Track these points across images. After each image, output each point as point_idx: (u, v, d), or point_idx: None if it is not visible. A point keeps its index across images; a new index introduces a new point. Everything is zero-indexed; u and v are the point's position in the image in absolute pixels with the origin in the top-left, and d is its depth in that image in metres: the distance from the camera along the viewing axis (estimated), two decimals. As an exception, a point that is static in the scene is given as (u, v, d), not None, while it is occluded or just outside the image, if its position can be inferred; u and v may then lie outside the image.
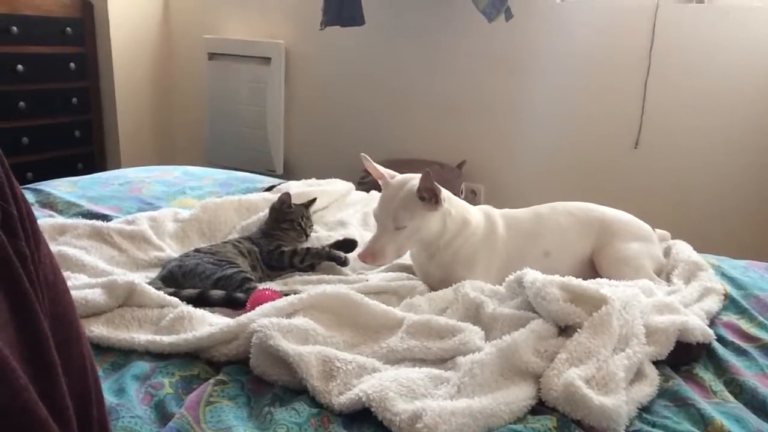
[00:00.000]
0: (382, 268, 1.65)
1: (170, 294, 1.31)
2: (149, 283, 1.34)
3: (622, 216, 1.64)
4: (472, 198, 3.23)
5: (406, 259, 1.60)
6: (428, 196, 1.44)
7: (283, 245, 1.61)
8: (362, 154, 1.57)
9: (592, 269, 1.55)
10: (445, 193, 1.48)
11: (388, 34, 3.33)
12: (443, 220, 1.48)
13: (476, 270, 1.48)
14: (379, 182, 1.55)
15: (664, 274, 1.57)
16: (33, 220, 0.46)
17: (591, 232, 1.58)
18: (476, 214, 1.56)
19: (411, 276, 1.56)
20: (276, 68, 3.56)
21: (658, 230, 1.70)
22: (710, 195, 2.83)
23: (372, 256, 1.45)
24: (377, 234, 1.47)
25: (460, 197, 2.84)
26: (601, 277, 1.45)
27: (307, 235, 1.71)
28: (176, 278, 1.43)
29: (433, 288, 1.44)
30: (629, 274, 1.47)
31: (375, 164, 1.56)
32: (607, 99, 2.94)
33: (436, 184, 1.43)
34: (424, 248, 1.52)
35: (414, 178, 1.47)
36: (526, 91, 3.10)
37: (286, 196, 1.71)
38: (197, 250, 1.54)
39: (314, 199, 1.83)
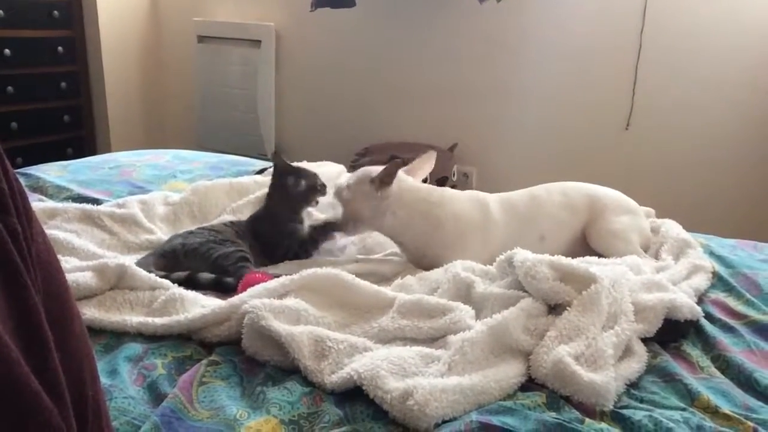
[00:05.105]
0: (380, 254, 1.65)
1: (160, 277, 1.31)
2: (141, 260, 1.35)
3: (611, 192, 1.66)
4: (465, 181, 3.23)
5: None
6: (378, 182, 1.48)
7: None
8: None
9: (585, 250, 1.56)
10: (408, 188, 1.52)
11: (379, 16, 3.30)
12: (379, 214, 1.50)
13: (467, 258, 1.46)
14: None
15: (652, 250, 1.58)
16: (25, 197, 0.46)
17: (583, 209, 1.59)
18: (458, 203, 1.55)
19: (402, 257, 1.57)
20: (266, 51, 3.54)
21: (643, 207, 1.71)
22: (701, 175, 2.84)
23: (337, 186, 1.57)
24: None
25: (452, 180, 2.85)
26: (594, 252, 1.47)
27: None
28: (178, 256, 1.43)
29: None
30: (620, 246, 1.49)
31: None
32: (598, 80, 2.94)
33: (392, 176, 1.48)
34: (390, 238, 1.58)
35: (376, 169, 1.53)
36: (517, 73, 3.09)
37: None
38: (202, 228, 1.54)
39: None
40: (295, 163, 1.69)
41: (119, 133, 3.70)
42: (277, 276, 1.26)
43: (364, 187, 1.51)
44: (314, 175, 1.60)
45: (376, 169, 1.52)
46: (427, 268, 1.44)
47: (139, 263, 1.38)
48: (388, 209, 1.50)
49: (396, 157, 1.63)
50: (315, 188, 1.58)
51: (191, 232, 1.51)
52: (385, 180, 1.48)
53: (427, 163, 1.65)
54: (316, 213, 1.74)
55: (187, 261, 1.42)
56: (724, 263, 1.54)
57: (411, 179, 1.57)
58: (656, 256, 1.54)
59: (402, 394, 0.91)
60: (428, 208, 1.52)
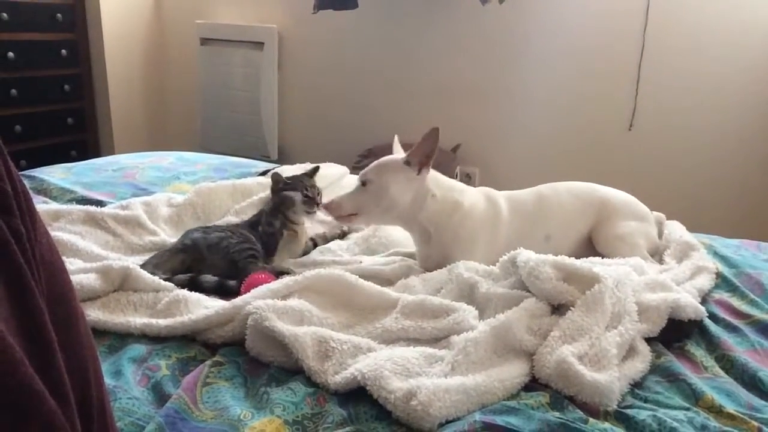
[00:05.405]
0: (383, 254, 1.64)
1: (164, 279, 1.32)
2: (150, 258, 1.39)
3: (622, 195, 1.64)
4: (467, 181, 3.23)
5: (412, 246, 1.59)
6: (416, 160, 1.46)
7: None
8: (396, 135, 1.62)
9: (590, 251, 1.55)
10: (432, 175, 1.50)
11: (381, 18, 3.31)
12: (420, 197, 1.48)
13: (475, 253, 1.45)
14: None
15: (657, 255, 1.58)
16: (29, 198, 0.46)
17: (591, 211, 1.58)
18: (473, 196, 1.54)
19: (404, 258, 1.56)
20: (269, 53, 3.54)
21: (654, 213, 1.70)
22: (704, 175, 2.83)
23: (328, 206, 1.50)
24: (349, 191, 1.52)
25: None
26: (599, 255, 1.46)
27: (318, 204, 1.59)
28: (201, 250, 1.45)
29: (430, 271, 1.43)
30: (625, 251, 1.48)
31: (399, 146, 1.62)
32: (601, 81, 2.94)
33: (433, 149, 1.45)
34: (408, 228, 1.54)
35: (394, 157, 1.53)
36: (520, 74, 3.09)
37: (275, 174, 1.63)
38: (217, 225, 1.58)
39: (317, 168, 1.72)
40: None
41: (122, 136, 3.71)
42: (282, 276, 1.26)
43: (400, 171, 1.48)
44: (302, 187, 1.59)
45: (395, 157, 1.51)
46: (432, 268, 1.43)
47: (147, 263, 1.39)
48: (428, 191, 1.49)
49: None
50: (290, 201, 1.58)
51: (209, 227, 1.55)
52: (425, 160, 1.46)
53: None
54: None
55: (210, 255, 1.44)
56: (728, 263, 1.54)
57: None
58: (660, 261, 1.53)
59: (405, 394, 0.92)
60: (457, 196, 1.51)
